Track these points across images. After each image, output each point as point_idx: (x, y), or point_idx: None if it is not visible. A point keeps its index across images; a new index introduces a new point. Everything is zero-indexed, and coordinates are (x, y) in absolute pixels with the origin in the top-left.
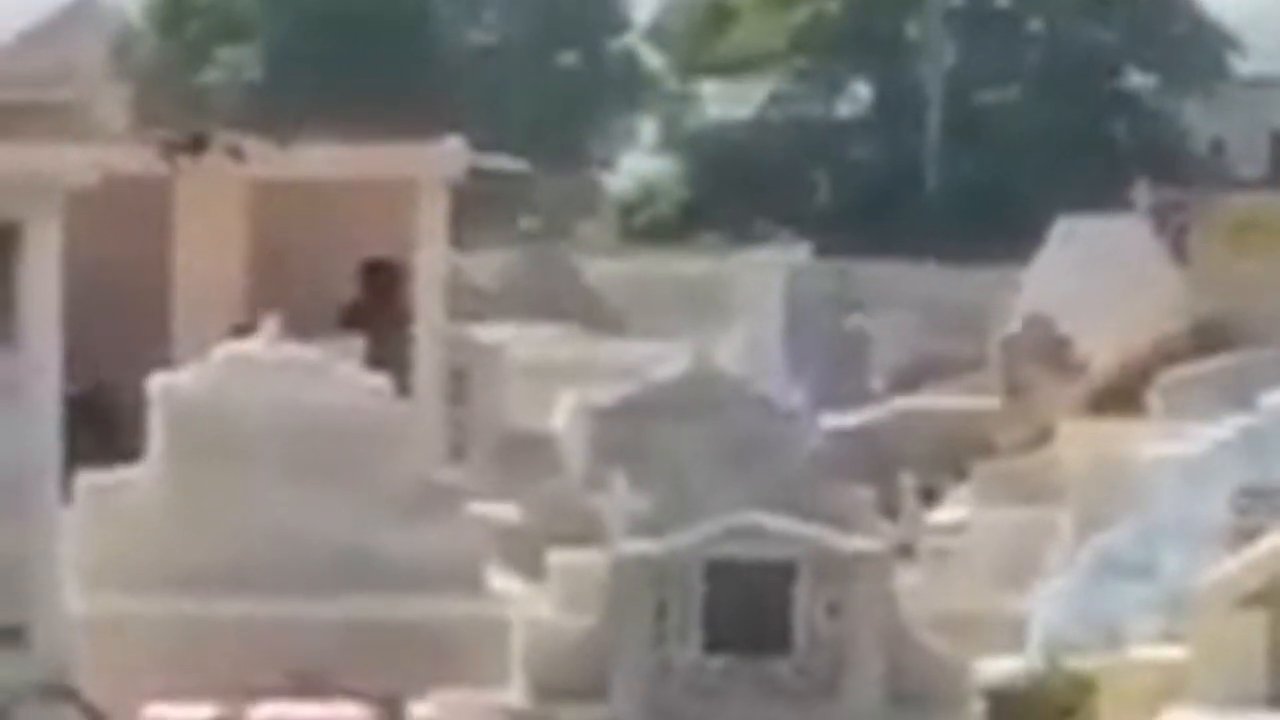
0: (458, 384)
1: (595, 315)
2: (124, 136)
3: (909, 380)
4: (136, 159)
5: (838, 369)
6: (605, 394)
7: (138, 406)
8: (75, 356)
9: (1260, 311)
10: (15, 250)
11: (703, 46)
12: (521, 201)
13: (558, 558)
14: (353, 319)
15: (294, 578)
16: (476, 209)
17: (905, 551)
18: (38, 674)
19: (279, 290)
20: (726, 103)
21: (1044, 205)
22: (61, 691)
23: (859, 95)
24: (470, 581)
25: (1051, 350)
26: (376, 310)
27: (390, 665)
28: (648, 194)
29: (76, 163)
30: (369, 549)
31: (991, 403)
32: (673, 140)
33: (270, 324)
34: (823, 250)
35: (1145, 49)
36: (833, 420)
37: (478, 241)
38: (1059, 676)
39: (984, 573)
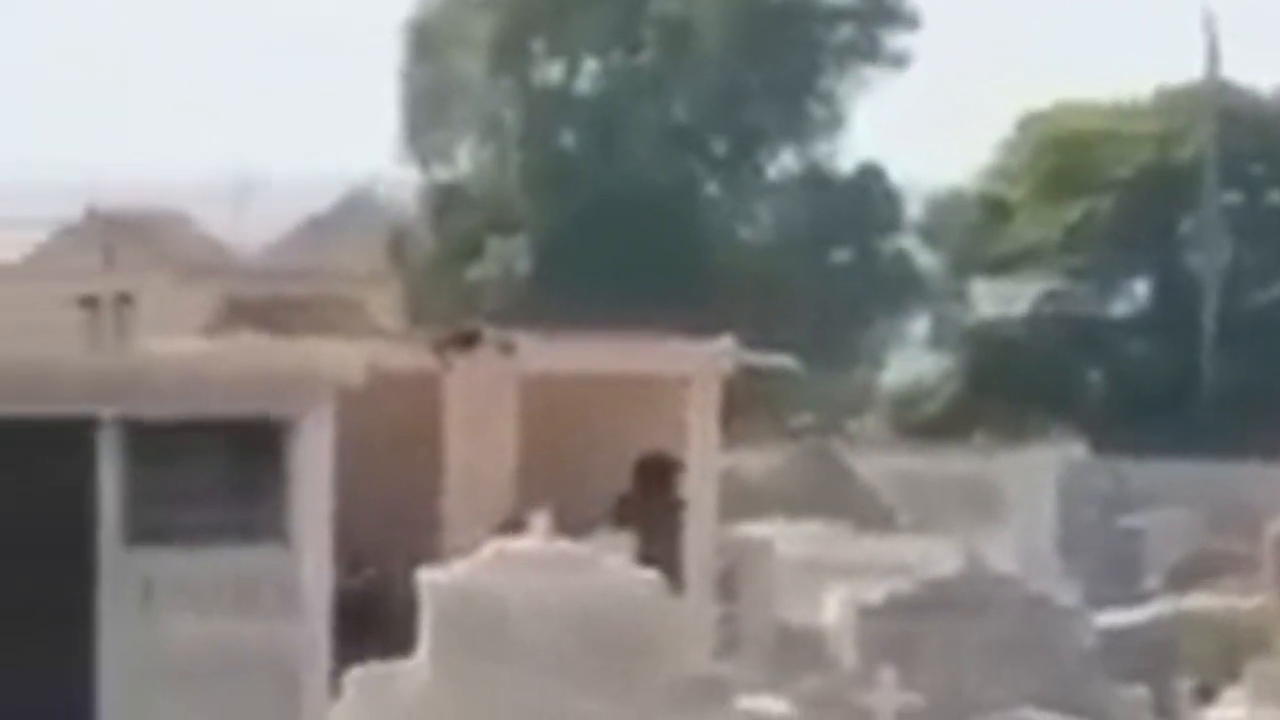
0: (728, 580)
1: (866, 512)
2: (396, 332)
3: (1184, 578)
4: (408, 355)
5: (1112, 567)
6: (875, 590)
7: (408, 601)
8: (345, 551)
9: None
10: (287, 446)
11: (975, 244)
12: (793, 398)
13: None
14: (625, 513)
15: None
16: (748, 405)
17: None
18: None
19: (549, 485)
20: (999, 301)
21: None
22: None
23: (1134, 292)
24: None
25: None
26: (649, 505)
27: None
28: (919, 391)
29: (349, 359)
30: None
31: (1267, 601)
32: (944, 337)
33: (540, 519)
34: (1097, 448)
35: None
36: (1107, 619)
37: (749, 438)
38: None
39: None
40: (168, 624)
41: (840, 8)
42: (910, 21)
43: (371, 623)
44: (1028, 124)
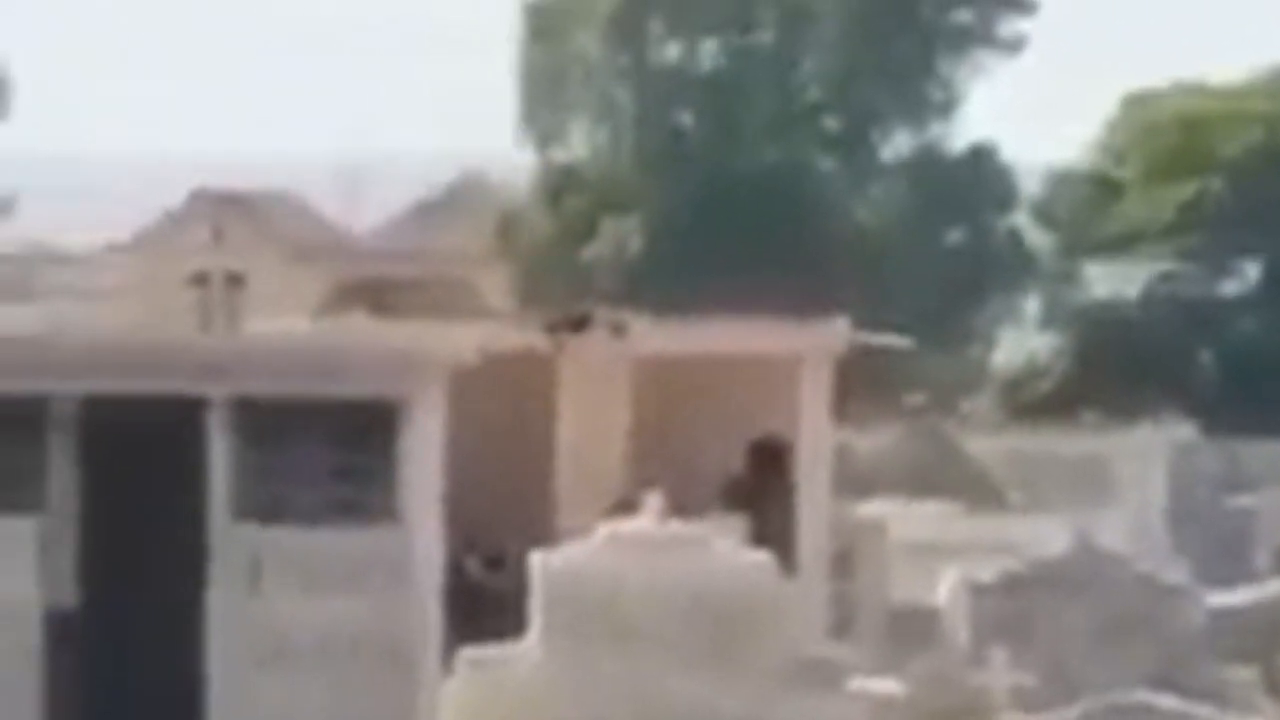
0: (841, 560)
1: (978, 492)
2: (508, 314)
3: None
4: (520, 336)
5: (1222, 547)
6: (988, 570)
7: (521, 582)
8: (458, 532)
9: None
10: (399, 426)
11: (1087, 224)
12: (906, 378)
13: None
14: (737, 494)
15: None
16: (861, 385)
17: None
18: None
19: (661, 466)
20: (1111, 280)
21: None
22: None
23: (1246, 272)
24: None
25: None
26: (762, 486)
27: None
28: (1032, 371)
29: (461, 341)
30: None
31: None
32: (1057, 317)
33: (653, 500)
34: (1208, 428)
35: None
36: (1217, 598)
37: (862, 418)
38: None
39: None
40: (277, 601)
41: None
42: (1027, 7)
43: (486, 603)
44: (1138, 104)
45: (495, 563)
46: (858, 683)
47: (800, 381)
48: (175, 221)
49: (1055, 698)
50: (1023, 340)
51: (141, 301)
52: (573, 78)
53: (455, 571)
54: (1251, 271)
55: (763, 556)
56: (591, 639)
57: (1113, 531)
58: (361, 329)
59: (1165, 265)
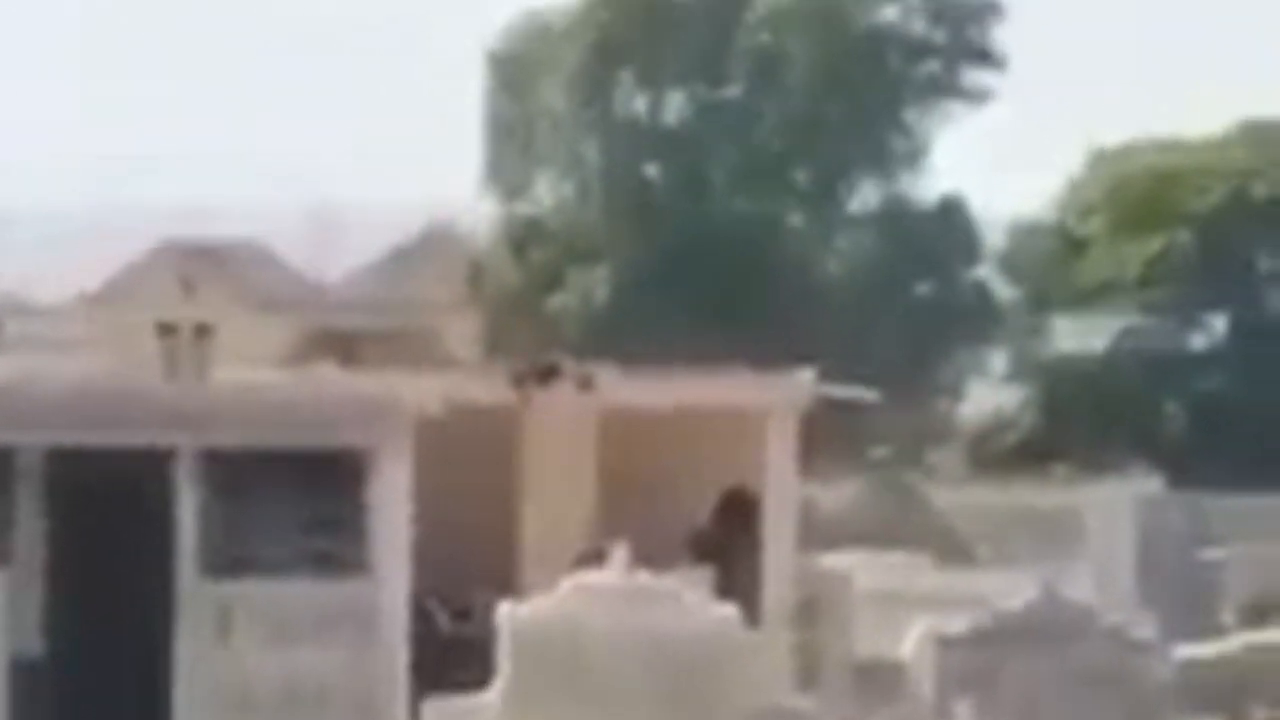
0: (807, 612)
1: (945, 544)
2: (474, 365)
3: (1261, 612)
4: (486, 387)
5: (1189, 600)
6: (954, 623)
7: (488, 632)
8: (425, 582)
9: None
10: (366, 477)
11: (1053, 278)
12: (872, 430)
13: None
14: (703, 546)
15: None
16: (827, 438)
17: None
18: None
19: (627, 518)
20: (1078, 334)
21: None
22: None
23: (1213, 326)
24: None
25: None
26: (728, 538)
27: None
28: (998, 423)
29: (427, 391)
30: None
31: None
32: (1023, 370)
33: (620, 552)
34: (1175, 482)
35: None
36: (1184, 651)
37: (827, 470)
38: None
39: None
40: (245, 654)
41: (925, 43)
42: (995, 61)
43: (452, 654)
44: (1104, 158)
45: (462, 614)
46: None
47: (766, 434)
48: (143, 272)
49: None
50: (990, 393)
51: (109, 352)
52: (538, 129)
53: (422, 621)
54: (1218, 325)
55: (728, 608)
56: (557, 689)
57: (1080, 584)
58: (329, 379)
59: (1132, 319)
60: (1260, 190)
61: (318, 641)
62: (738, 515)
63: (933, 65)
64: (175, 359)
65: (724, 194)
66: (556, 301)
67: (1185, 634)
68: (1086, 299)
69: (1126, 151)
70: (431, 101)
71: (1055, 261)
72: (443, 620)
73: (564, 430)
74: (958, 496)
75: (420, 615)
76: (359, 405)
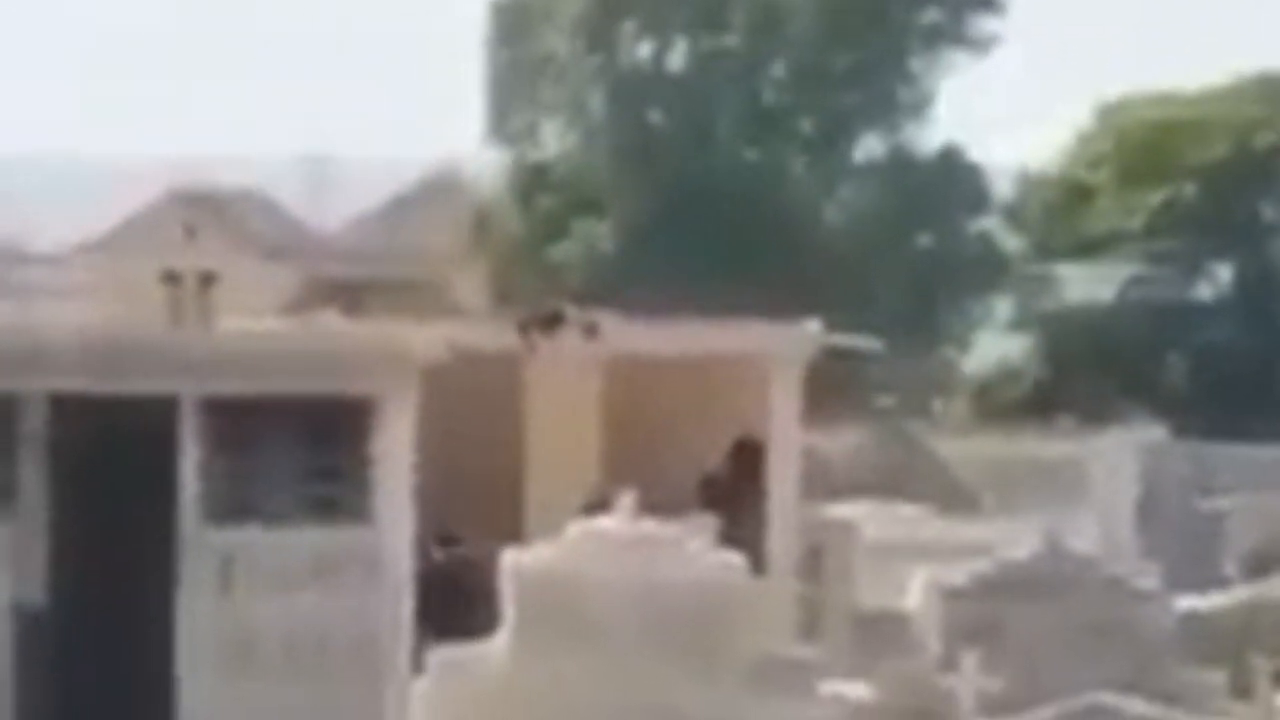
0: (811, 561)
1: (949, 494)
2: (479, 313)
3: (1264, 562)
4: (491, 335)
5: (1192, 551)
6: (958, 573)
7: (491, 581)
8: (429, 530)
9: None
10: (370, 425)
11: (1059, 227)
12: (877, 380)
13: None
14: (714, 492)
15: None
16: (831, 387)
17: None
18: None
19: (632, 466)
20: (1083, 284)
21: None
22: None
23: (1218, 276)
24: None
25: None
26: (734, 486)
27: None
28: (1003, 374)
29: (431, 339)
30: None
31: None
32: (1028, 320)
33: (625, 500)
34: (1179, 432)
35: None
36: (1186, 602)
37: (832, 420)
38: None
39: None
40: (247, 601)
41: None
42: (996, 6)
43: (455, 601)
44: (1110, 109)
45: (449, 540)
46: (827, 685)
47: (770, 383)
48: (147, 220)
49: (1025, 701)
50: (995, 343)
51: (113, 300)
52: (543, 77)
53: (425, 565)
54: (1223, 275)
55: (733, 557)
56: (562, 638)
57: (1083, 534)
58: (333, 327)
59: (1137, 269)
60: (1266, 141)
61: (321, 589)
62: (748, 463)
63: (935, 13)
64: (179, 307)
65: (728, 143)
66: (561, 250)
67: (1188, 584)
68: (1092, 249)
69: (1133, 102)
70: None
71: (1061, 212)
72: (451, 565)
73: (569, 378)
74: (962, 446)
75: (424, 560)
76: (362, 353)
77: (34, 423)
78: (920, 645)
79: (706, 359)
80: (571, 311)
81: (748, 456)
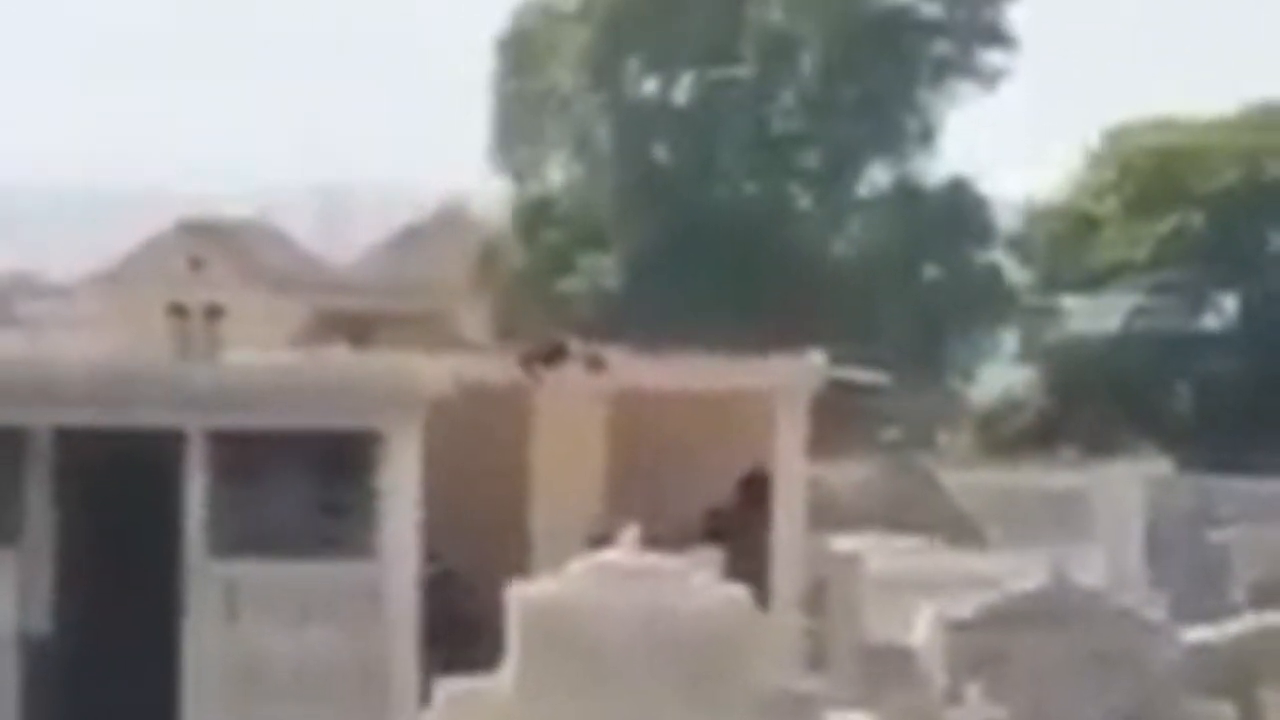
0: (816, 594)
1: (955, 527)
2: (485, 346)
3: (1270, 594)
4: (497, 368)
5: (1198, 582)
6: (964, 606)
7: (496, 615)
8: (433, 563)
9: None
10: (375, 460)
11: (1065, 259)
12: (882, 412)
13: None
14: (720, 525)
15: None
16: (837, 420)
17: None
18: None
19: (637, 499)
20: (1089, 315)
21: None
22: None
23: (1224, 307)
24: None
25: None
26: (741, 519)
27: None
28: (1009, 406)
29: (437, 373)
30: None
31: None
32: (1034, 352)
33: (630, 533)
34: (1185, 464)
35: None
36: (1193, 633)
37: (838, 453)
38: None
39: None
40: (252, 634)
41: (938, 23)
42: (1007, 40)
43: (460, 634)
44: (1116, 139)
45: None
46: (833, 717)
47: (776, 416)
48: (155, 252)
49: None
50: (1001, 375)
51: (120, 332)
52: (549, 110)
53: (431, 598)
54: (1229, 306)
55: (738, 589)
56: (567, 670)
57: (1090, 567)
58: (339, 360)
59: (1143, 300)
60: (1272, 170)
61: (326, 622)
62: (756, 496)
63: (945, 45)
64: (186, 339)
65: (734, 176)
66: (567, 284)
67: (1195, 615)
68: (1099, 280)
69: (1138, 132)
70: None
71: (1067, 243)
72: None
73: (574, 411)
74: (968, 478)
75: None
76: (369, 386)
77: (41, 454)
78: (926, 678)
79: (712, 392)
80: (575, 345)
81: (757, 489)
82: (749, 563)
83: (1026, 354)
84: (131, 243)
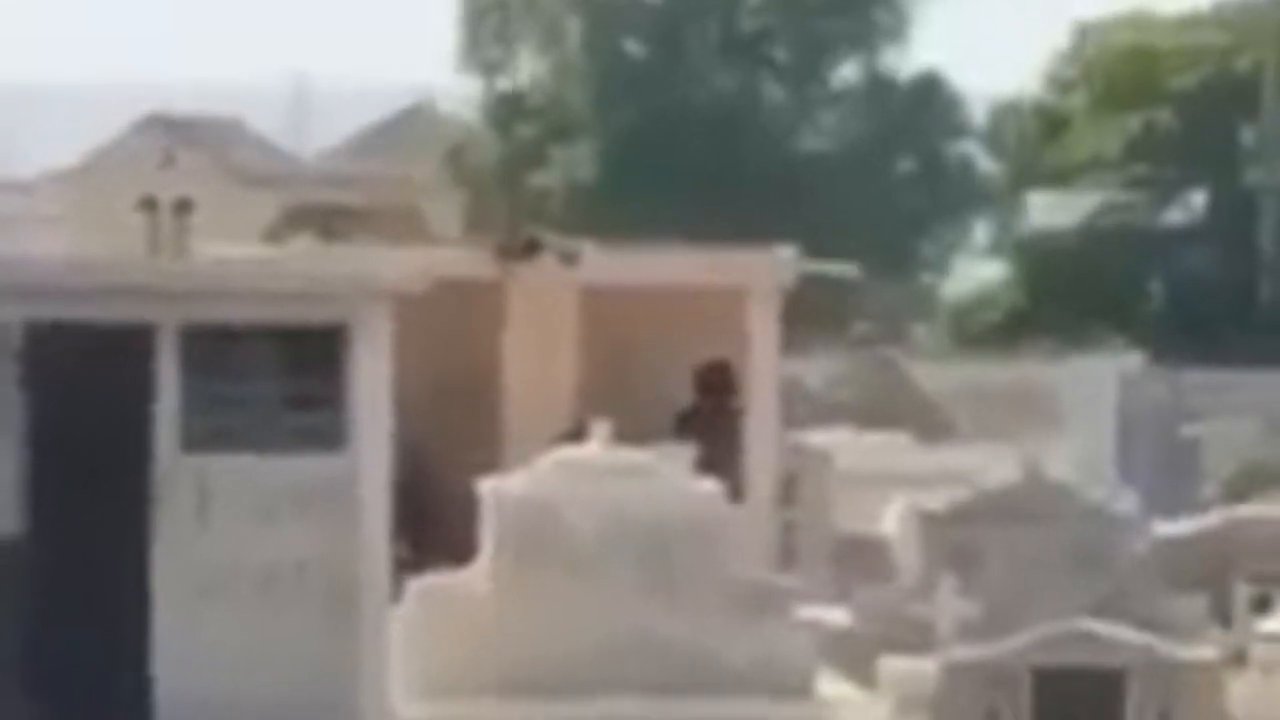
0: (789, 488)
1: (927, 420)
2: (457, 240)
3: (1241, 488)
4: (469, 263)
5: (1169, 476)
6: (936, 499)
7: (468, 510)
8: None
9: None
10: (345, 353)
11: (1035, 153)
12: (855, 306)
13: (888, 663)
14: (687, 423)
15: (626, 681)
16: (809, 314)
17: (1237, 660)
18: None
19: (610, 395)
20: (1059, 210)
21: None
22: None
23: (1193, 203)
24: (801, 686)
25: None
26: (711, 413)
27: None
28: (980, 299)
29: (407, 267)
30: (700, 652)
31: None
32: (1005, 247)
33: (601, 428)
34: (1155, 357)
35: None
36: (1164, 528)
37: (810, 346)
38: None
39: None
40: (224, 530)
41: None
42: None
43: (429, 528)
44: (1086, 35)
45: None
46: (806, 612)
47: (748, 311)
48: (124, 147)
49: (1003, 626)
50: (973, 269)
51: (90, 227)
52: (517, 5)
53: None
54: (1198, 202)
55: (710, 484)
56: (540, 565)
57: (1061, 460)
58: (309, 254)
59: (1113, 195)
60: (1241, 67)
61: (298, 516)
62: (716, 388)
63: None
64: (156, 234)
65: (705, 71)
66: (539, 179)
67: (1166, 509)
68: (1069, 176)
69: (1108, 28)
70: None
71: (1037, 138)
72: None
73: (546, 306)
74: (940, 372)
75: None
76: (338, 280)
77: (9, 350)
78: (897, 571)
79: (684, 287)
80: (549, 239)
81: (713, 381)
82: (718, 457)
83: (997, 249)
84: (100, 138)
